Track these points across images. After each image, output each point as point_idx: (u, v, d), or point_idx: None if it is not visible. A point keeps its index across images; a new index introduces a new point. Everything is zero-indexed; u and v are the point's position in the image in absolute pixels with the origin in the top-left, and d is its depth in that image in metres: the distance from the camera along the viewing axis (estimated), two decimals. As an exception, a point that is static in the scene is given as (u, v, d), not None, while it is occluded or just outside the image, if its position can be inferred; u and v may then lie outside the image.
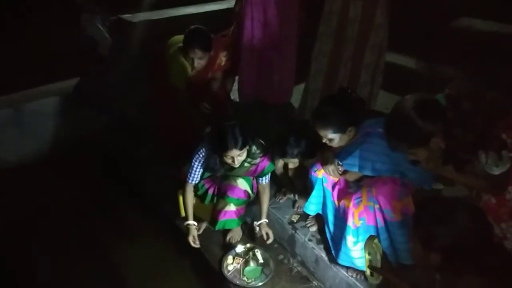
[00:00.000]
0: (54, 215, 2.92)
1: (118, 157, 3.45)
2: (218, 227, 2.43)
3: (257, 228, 2.48)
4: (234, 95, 3.49)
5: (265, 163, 2.33)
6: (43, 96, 3.61)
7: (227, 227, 2.46)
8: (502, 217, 1.69)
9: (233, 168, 2.26)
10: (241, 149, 2.13)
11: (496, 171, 1.50)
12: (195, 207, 2.45)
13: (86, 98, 3.41)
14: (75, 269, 2.55)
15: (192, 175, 2.35)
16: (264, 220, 2.43)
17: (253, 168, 2.32)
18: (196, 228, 2.42)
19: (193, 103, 2.90)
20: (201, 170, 2.34)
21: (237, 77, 3.42)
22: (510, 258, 1.28)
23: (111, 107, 3.48)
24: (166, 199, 2.80)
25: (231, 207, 2.40)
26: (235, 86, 3.47)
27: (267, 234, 2.41)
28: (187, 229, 2.40)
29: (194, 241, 2.38)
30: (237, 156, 2.16)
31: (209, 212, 2.50)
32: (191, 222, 2.39)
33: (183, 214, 2.51)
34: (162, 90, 2.93)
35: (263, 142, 2.33)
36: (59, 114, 3.61)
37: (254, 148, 2.25)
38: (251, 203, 2.54)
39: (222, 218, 2.41)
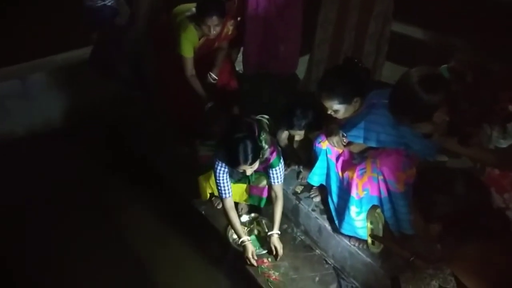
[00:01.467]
0: (61, 186, 2.97)
1: (128, 130, 3.47)
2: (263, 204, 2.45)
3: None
4: (239, 67, 3.46)
5: (273, 156, 2.23)
6: (50, 66, 3.59)
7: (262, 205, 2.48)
8: (505, 187, 1.71)
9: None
10: (251, 164, 2.06)
11: (504, 144, 1.52)
12: (212, 182, 2.42)
13: (102, 68, 3.39)
14: (78, 230, 2.62)
15: (223, 190, 2.26)
16: (276, 232, 2.31)
17: (264, 164, 2.26)
18: (251, 244, 2.31)
19: (198, 73, 2.88)
20: (228, 181, 2.26)
21: (242, 48, 3.38)
22: (509, 223, 1.31)
23: (126, 77, 3.46)
24: (173, 171, 2.84)
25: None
26: (240, 58, 3.44)
27: (276, 248, 2.30)
28: (243, 247, 2.28)
29: (253, 257, 2.27)
30: (249, 169, 2.10)
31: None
32: (244, 238, 2.28)
33: (205, 197, 2.53)
34: (169, 61, 2.90)
35: (269, 135, 2.24)
36: (67, 85, 3.59)
37: (263, 144, 2.14)
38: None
39: (265, 195, 2.43)
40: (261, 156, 2.13)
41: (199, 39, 2.77)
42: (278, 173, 2.27)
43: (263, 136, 2.16)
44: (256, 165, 2.11)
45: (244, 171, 2.12)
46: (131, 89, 3.51)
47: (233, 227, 2.34)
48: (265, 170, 2.30)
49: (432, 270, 1.27)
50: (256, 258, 2.28)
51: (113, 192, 3.01)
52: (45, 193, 2.90)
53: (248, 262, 2.27)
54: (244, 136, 2.03)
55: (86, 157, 3.23)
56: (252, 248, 2.28)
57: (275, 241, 2.32)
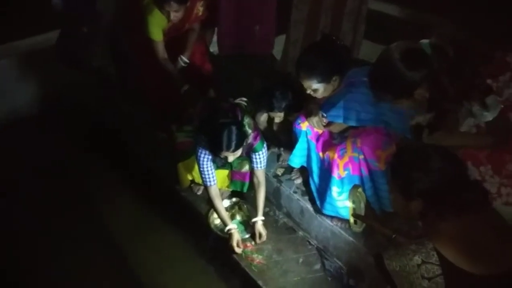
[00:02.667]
0: (37, 176, 2.88)
1: (103, 116, 3.36)
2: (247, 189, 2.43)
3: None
4: (214, 48, 3.38)
5: (257, 141, 2.18)
6: (15, 52, 3.41)
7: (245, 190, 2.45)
8: (481, 160, 1.74)
9: None
10: (234, 151, 2.01)
11: (489, 116, 1.53)
12: (192, 169, 2.39)
13: (70, 56, 3.26)
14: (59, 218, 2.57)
15: (207, 178, 2.21)
16: (260, 218, 2.29)
17: (247, 149, 2.21)
18: (238, 231, 2.28)
19: (170, 57, 2.79)
20: (212, 168, 2.21)
21: (216, 29, 3.29)
22: (486, 194, 1.33)
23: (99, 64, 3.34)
24: (151, 157, 2.79)
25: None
26: (215, 38, 3.35)
27: (260, 234, 2.30)
28: (229, 234, 2.25)
29: (238, 245, 2.24)
30: (231, 156, 2.05)
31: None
32: (231, 226, 2.25)
33: (186, 185, 2.50)
34: (141, 44, 2.79)
35: (252, 119, 2.20)
36: (34, 71, 3.44)
37: (246, 128, 2.09)
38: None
39: (247, 180, 2.40)
40: (244, 142, 2.09)
41: (168, 22, 2.67)
42: (261, 157, 2.23)
43: (246, 120, 2.11)
44: (239, 152, 2.06)
45: (226, 158, 2.07)
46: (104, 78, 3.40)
47: (219, 215, 2.30)
48: (247, 154, 2.25)
49: (415, 246, 1.28)
50: (241, 246, 2.26)
51: (91, 180, 2.94)
52: (22, 184, 2.81)
53: (233, 250, 2.24)
54: (228, 122, 1.97)
55: (60, 146, 3.12)
56: (238, 236, 2.25)
57: (260, 227, 2.30)
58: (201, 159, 2.16)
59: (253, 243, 2.33)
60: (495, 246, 1.27)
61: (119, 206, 2.75)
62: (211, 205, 2.34)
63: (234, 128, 1.96)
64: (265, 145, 2.23)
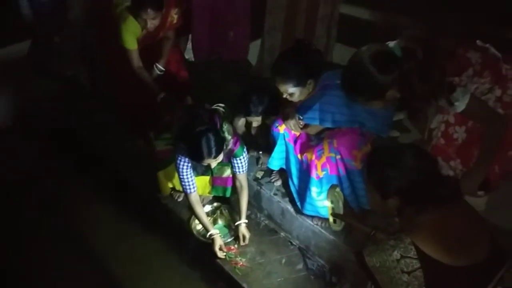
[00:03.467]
0: (13, 187, 2.83)
1: (80, 126, 3.30)
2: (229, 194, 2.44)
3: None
4: (189, 55, 3.39)
5: (237, 146, 2.21)
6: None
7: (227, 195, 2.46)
8: (450, 155, 1.82)
9: None
10: (215, 157, 2.02)
11: (461, 105, 1.59)
12: (172, 177, 2.39)
13: (43, 66, 3.19)
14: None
15: (187, 185, 2.21)
16: (243, 221, 2.31)
17: (227, 155, 2.23)
18: (220, 236, 2.30)
19: (145, 65, 2.78)
20: (192, 175, 2.22)
21: (190, 36, 3.30)
22: (458, 188, 1.39)
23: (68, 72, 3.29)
24: (130, 167, 2.76)
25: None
26: (189, 45, 3.36)
27: (243, 236, 2.31)
28: (212, 240, 2.26)
29: (222, 250, 2.26)
30: (213, 162, 2.06)
31: None
32: (213, 231, 2.26)
33: (166, 193, 2.50)
34: (115, 53, 2.77)
35: (231, 125, 2.22)
36: (6, 82, 3.37)
37: (226, 135, 2.12)
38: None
39: (229, 185, 2.41)
40: (224, 147, 2.10)
41: (142, 30, 2.66)
42: (242, 162, 2.25)
43: (225, 126, 2.13)
44: (220, 157, 2.07)
45: (209, 165, 2.08)
46: (77, 86, 3.35)
47: (200, 221, 2.31)
48: (228, 160, 2.27)
49: (393, 241, 1.31)
50: (224, 251, 2.27)
51: (70, 192, 2.89)
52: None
53: (217, 255, 2.25)
54: (206, 129, 1.98)
55: (36, 157, 3.07)
56: (220, 241, 2.27)
57: (244, 229, 2.32)
58: (180, 166, 2.17)
59: (236, 245, 2.35)
60: (469, 236, 1.33)
61: (98, 217, 2.71)
62: (192, 212, 2.34)
63: (212, 135, 1.97)
64: (245, 150, 2.26)
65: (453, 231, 1.32)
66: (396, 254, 1.29)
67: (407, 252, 1.28)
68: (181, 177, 2.19)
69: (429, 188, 1.33)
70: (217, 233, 2.28)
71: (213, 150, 1.98)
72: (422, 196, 1.33)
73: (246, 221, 2.34)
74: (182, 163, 2.16)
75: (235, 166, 2.26)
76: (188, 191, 2.23)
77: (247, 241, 2.33)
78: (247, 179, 2.40)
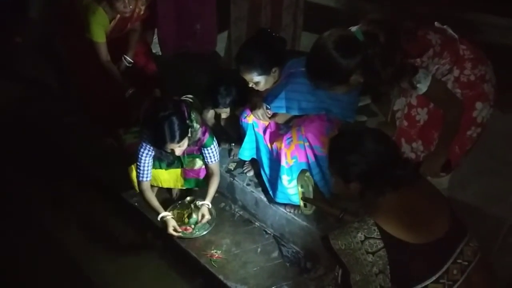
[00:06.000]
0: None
1: (47, 126, 3.23)
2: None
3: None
4: (156, 49, 3.34)
5: (206, 136, 2.21)
6: None
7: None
8: (412, 137, 1.86)
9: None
10: (179, 142, 2.01)
11: (423, 87, 1.62)
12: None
13: (5, 66, 3.09)
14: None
15: (142, 173, 2.23)
16: (207, 203, 2.32)
17: (197, 144, 2.23)
18: (172, 218, 2.30)
19: (113, 58, 2.73)
20: (149, 165, 2.23)
21: (156, 30, 3.25)
22: (418, 170, 1.41)
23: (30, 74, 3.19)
24: (99, 165, 2.71)
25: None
26: (156, 39, 3.31)
27: (202, 215, 2.31)
28: (164, 222, 2.26)
29: (176, 230, 2.26)
30: (178, 148, 2.05)
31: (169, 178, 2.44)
32: (164, 214, 2.27)
33: (137, 190, 2.44)
34: (81, 47, 2.71)
35: (198, 113, 2.21)
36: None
37: (194, 124, 2.11)
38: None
39: (202, 176, 2.40)
40: (192, 135, 2.10)
41: (110, 22, 2.61)
42: (213, 151, 2.27)
43: (193, 115, 2.12)
44: (185, 144, 2.07)
45: (173, 151, 2.07)
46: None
47: (150, 206, 2.32)
48: (199, 151, 2.27)
49: (357, 223, 1.34)
50: (179, 230, 2.27)
51: (39, 194, 2.82)
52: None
53: (172, 235, 2.26)
54: (169, 113, 1.97)
55: (3, 160, 2.97)
56: (173, 222, 2.26)
57: (205, 210, 2.31)
58: (141, 152, 2.18)
59: (193, 226, 2.36)
60: (429, 214, 1.36)
61: (70, 219, 2.64)
62: (142, 198, 2.35)
63: (175, 119, 1.97)
64: (214, 139, 2.26)
65: (413, 210, 1.35)
66: (360, 236, 1.31)
67: (371, 233, 1.31)
68: (139, 162, 2.20)
69: (388, 171, 1.36)
70: (168, 214, 2.29)
71: (177, 134, 1.97)
72: (381, 179, 1.36)
73: (210, 204, 2.33)
74: (144, 150, 2.17)
75: (206, 157, 2.27)
76: (141, 178, 2.25)
77: (204, 221, 2.32)
78: (220, 170, 2.40)
